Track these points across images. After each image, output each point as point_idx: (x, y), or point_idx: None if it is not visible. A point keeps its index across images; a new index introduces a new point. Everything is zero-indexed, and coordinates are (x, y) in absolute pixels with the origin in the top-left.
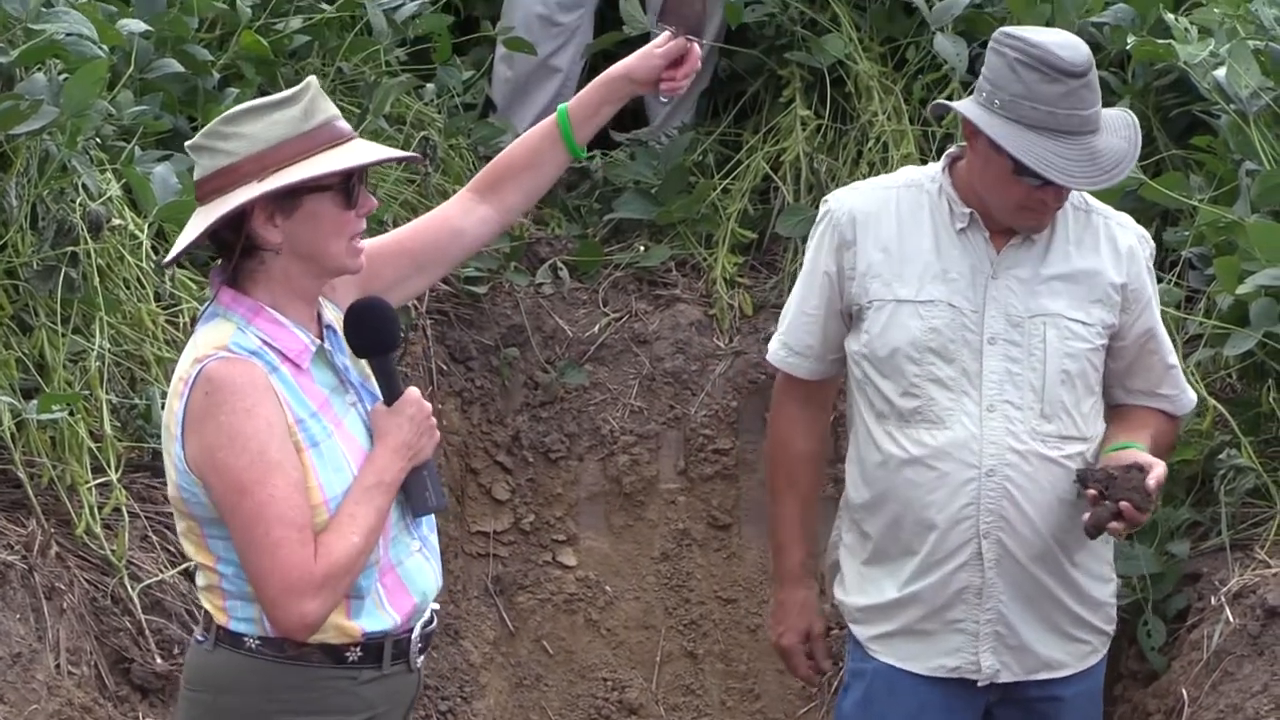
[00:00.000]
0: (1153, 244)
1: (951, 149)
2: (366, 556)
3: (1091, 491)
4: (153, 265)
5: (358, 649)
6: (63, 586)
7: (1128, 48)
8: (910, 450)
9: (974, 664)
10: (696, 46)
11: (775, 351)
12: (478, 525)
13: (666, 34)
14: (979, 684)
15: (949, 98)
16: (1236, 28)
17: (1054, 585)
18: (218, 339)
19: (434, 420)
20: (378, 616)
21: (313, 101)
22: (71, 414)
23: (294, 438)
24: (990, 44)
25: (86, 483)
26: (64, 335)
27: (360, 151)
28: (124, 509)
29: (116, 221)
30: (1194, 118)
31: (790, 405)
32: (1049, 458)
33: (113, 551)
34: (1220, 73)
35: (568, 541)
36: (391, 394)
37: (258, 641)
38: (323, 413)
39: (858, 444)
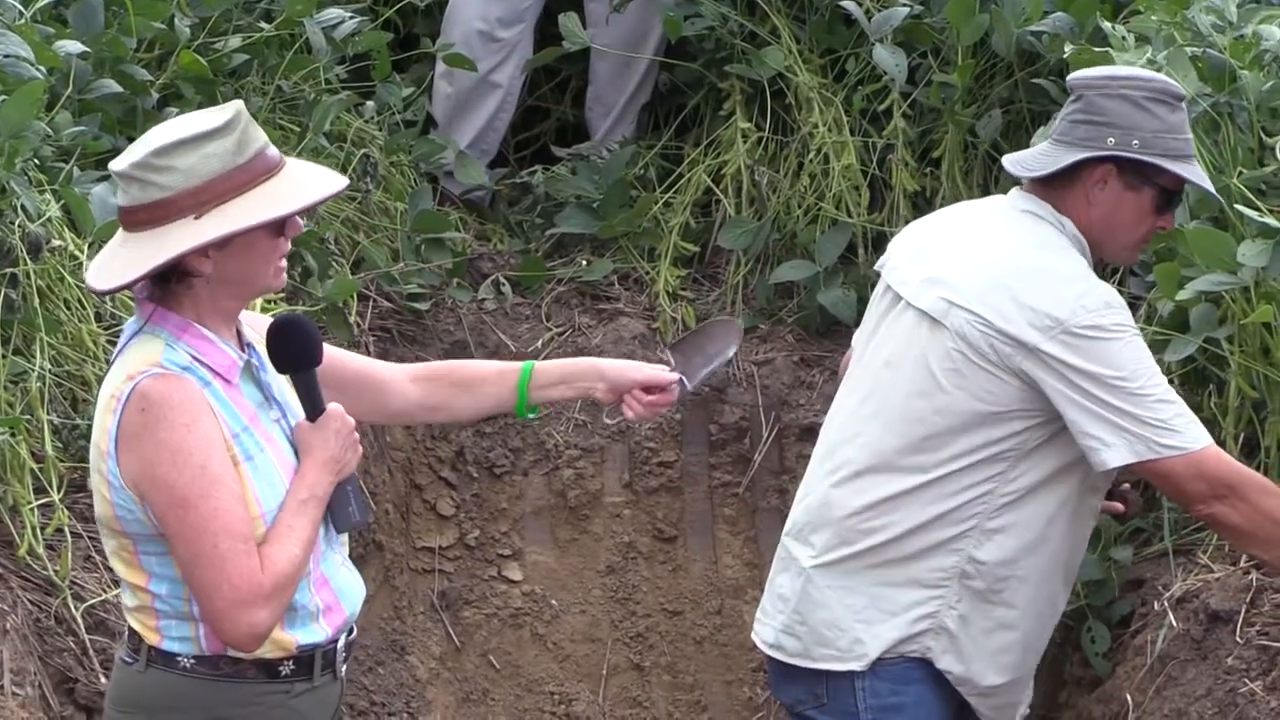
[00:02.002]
0: None
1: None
2: (304, 569)
3: (1126, 484)
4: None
5: (290, 662)
6: (6, 608)
7: (1065, 56)
8: (1097, 509)
9: None
10: (677, 391)
11: (1202, 435)
12: (423, 541)
13: (667, 366)
14: None
15: (888, 109)
16: (1174, 34)
17: None
18: (148, 356)
19: (357, 435)
20: (312, 630)
21: (245, 132)
22: (13, 435)
23: (230, 452)
24: (1092, 90)
25: (29, 503)
26: (4, 356)
27: (297, 187)
28: (67, 529)
29: (56, 242)
30: None
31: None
32: None
33: (56, 572)
34: None
35: (513, 556)
36: (315, 409)
37: (192, 661)
38: (253, 427)
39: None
